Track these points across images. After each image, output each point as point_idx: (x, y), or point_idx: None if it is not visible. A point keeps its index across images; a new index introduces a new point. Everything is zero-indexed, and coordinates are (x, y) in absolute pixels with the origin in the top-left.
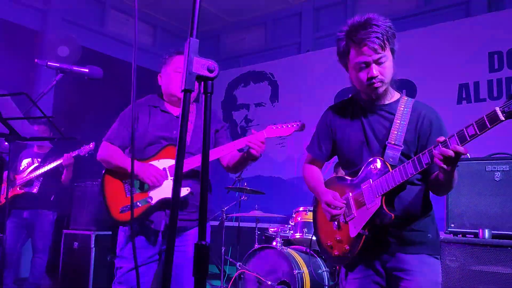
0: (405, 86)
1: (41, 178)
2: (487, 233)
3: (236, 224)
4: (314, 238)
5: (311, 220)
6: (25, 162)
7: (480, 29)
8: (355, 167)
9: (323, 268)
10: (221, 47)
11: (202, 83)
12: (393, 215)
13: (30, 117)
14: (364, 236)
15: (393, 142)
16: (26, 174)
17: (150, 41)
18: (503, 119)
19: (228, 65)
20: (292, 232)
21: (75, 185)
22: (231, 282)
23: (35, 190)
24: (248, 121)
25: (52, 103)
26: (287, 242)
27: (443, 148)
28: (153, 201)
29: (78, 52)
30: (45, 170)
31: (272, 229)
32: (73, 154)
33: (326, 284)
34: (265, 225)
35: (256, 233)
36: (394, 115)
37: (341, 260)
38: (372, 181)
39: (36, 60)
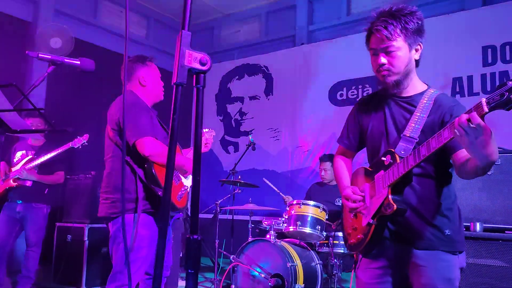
0: None
1: (35, 171)
2: (478, 226)
3: (230, 217)
4: (308, 231)
5: (305, 213)
6: (19, 154)
7: (474, 23)
8: (374, 158)
9: (317, 261)
10: (215, 40)
11: (194, 76)
12: (395, 206)
13: (20, 109)
14: (373, 226)
15: (408, 135)
16: (19, 167)
17: (143, 33)
18: (487, 110)
19: (222, 57)
20: (285, 225)
21: (68, 177)
22: (224, 275)
23: (29, 183)
24: (243, 114)
25: (44, 95)
26: (281, 235)
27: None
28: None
29: (71, 44)
30: (36, 163)
31: (266, 222)
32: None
33: (319, 276)
34: (258, 218)
35: (250, 226)
36: (416, 107)
37: (356, 248)
38: (383, 172)
39: (27, 51)
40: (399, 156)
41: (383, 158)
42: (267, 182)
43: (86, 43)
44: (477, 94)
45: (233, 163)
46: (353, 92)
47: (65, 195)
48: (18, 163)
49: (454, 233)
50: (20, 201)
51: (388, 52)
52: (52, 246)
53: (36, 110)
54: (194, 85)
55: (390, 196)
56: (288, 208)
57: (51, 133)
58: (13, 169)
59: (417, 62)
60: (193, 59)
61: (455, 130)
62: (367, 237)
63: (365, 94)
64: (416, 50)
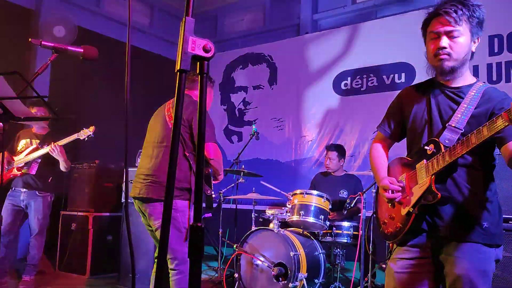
0: (404, 69)
1: (39, 160)
2: None
3: (233, 206)
4: (311, 220)
5: (308, 203)
6: (22, 143)
7: None
8: (415, 147)
9: (320, 250)
10: (219, 29)
11: (198, 63)
12: (439, 194)
13: (24, 96)
14: (413, 215)
15: (453, 125)
16: (23, 155)
17: (146, 22)
18: None
19: (226, 46)
20: (289, 214)
21: (72, 166)
22: (228, 264)
23: (33, 172)
24: (246, 103)
25: (48, 83)
26: (284, 224)
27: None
28: None
29: (74, 32)
30: (37, 155)
31: (269, 212)
32: (61, 143)
33: (323, 266)
34: (262, 208)
35: (253, 216)
36: (463, 98)
37: (393, 237)
38: (426, 162)
39: (30, 39)
40: (443, 146)
41: (426, 147)
42: (267, 185)
43: (89, 32)
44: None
45: (237, 152)
46: (358, 81)
47: (69, 183)
48: (22, 152)
49: (492, 226)
50: (24, 190)
51: (452, 37)
52: (56, 234)
53: (39, 98)
54: (197, 72)
55: (433, 185)
56: (291, 198)
57: (55, 121)
58: (17, 158)
59: (472, 54)
60: (197, 45)
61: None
62: (406, 227)
63: (370, 84)
64: (474, 42)
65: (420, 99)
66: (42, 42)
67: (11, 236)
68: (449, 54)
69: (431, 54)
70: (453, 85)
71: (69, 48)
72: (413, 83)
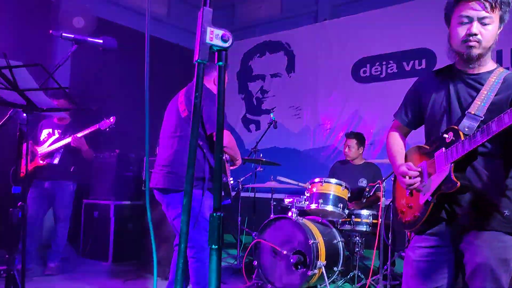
0: (425, 55)
1: (62, 150)
2: None
3: (252, 195)
4: (330, 209)
5: (327, 191)
6: (45, 132)
7: None
8: (433, 135)
9: (339, 238)
10: (236, 17)
11: (216, 53)
12: (458, 183)
13: (46, 88)
14: (432, 204)
15: (473, 112)
16: (46, 145)
17: (164, 11)
18: None
19: (243, 35)
20: (307, 203)
21: (94, 155)
22: (247, 251)
23: (56, 161)
24: (264, 92)
25: (69, 74)
26: (303, 212)
27: None
28: None
29: (93, 23)
30: (58, 146)
31: (288, 200)
32: (81, 134)
33: (341, 254)
34: (280, 196)
35: (272, 204)
36: (483, 85)
37: (411, 226)
38: (445, 150)
39: (51, 31)
40: (463, 134)
41: (444, 135)
42: (282, 179)
43: (108, 22)
44: (507, 68)
45: (255, 141)
46: (377, 68)
47: (91, 173)
48: (45, 141)
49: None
50: (48, 179)
51: (483, 23)
52: (80, 222)
53: (61, 89)
54: (216, 62)
55: (453, 174)
56: (310, 186)
57: (76, 112)
58: (40, 148)
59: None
60: (215, 36)
61: None
62: (424, 215)
63: (389, 71)
64: (500, 28)
65: (438, 86)
66: (63, 34)
67: (36, 224)
68: (478, 42)
69: (459, 39)
70: (472, 72)
71: (89, 39)
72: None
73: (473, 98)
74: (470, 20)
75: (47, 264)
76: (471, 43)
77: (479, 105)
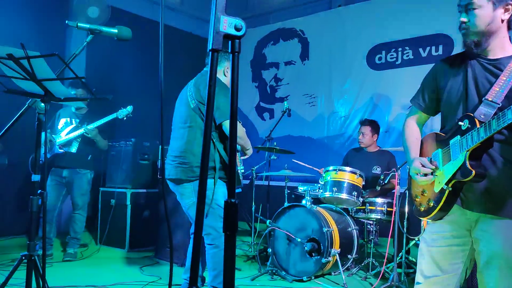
0: (442, 41)
1: (79, 139)
2: None
3: (266, 183)
4: (344, 197)
5: (341, 179)
6: (62, 121)
7: None
8: (449, 122)
9: (353, 226)
10: (249, 4)
11: (230, 42)
12: (474, 171)
13: (63, 78)
14: (447, 191)
15: (490, 99)
16: (64, 134)
17: (177, 0)
18: None
19: (256, 22)
20: (321, 191)
21: (110, 144)
22: (261, 239)
23: (74, 150)
24: (278, 80)
25: (84, 64)
26: (317, 200)
27: None
28: None
29: (108, 12)
30: (75, 135)
31: (302, 188)
32: (94, 126)
33: (355, 242)
34: (294, 184)
35: (286, 192)
36: (503, 71)
37: (425, 214)
38: (460, 138)
39: (66, 21)
40: (479, 121)
41: (460, 123)
42: (298, 162)
43: (121, 11)
44: None
45: (269, 129)
46: (392, 55)
47: (107, 161)
48: (63, 130)
49: None
50: (66, 167)
51: (468, 10)
52: (97, 209)
53: (78, 79)
54: (229, 51)
55: (468, 162)
56: (324, 174)
57: (93, 101)
58: (56, 137)
59: (509, 22)
60: (228, 24)
61: None
62: (439, 204)
63: (405, 57)
64: (505, 10)
65: (456, 72)
66: (78, 24)
67: (54, 212)
68: (466, 29)
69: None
70: (491, 57)
71: (104, 29)
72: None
73: (491, 84)
74: (462, 8)
75: (66, 251)
76: (463, 31)
77: (497, 91)
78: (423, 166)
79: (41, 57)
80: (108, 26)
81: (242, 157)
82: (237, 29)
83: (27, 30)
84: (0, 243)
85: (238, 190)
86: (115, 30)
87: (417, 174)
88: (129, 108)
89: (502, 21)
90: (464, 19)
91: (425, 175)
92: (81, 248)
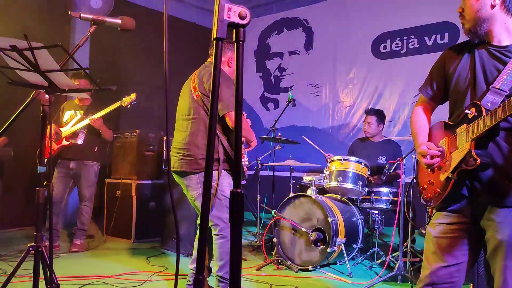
0: (447, 29)
1: (85, 130)
2: None
3: (271, 173)
4: (349, 186)
5: (346, 169)
6: (68, 114)
7: None
8: (457, 110)
9: (358, 216)
10: None
11: (234, 31)
12: (479, 160)
13: (67, 69)
14: (452, 181)
15: (497, 87)
16: (70, 126)
17: None
18: None
19: (260, 12)
20: (327, 181)
21: (114, 136)
22: (267, 229)
23: (80, 142)
24: (282, 70)
25: (88, 55)
26: (322, 190)
27: None
28: None
29: (111, 3)
30: (81, 126)
31: (307, 178)
32: (98, 115)
33: (361, 231)
34: (299, 174)
35: (291, 182)
36: (511, 58)
37: (432, 202)
38: (466, 126)
39: (70, 12)
40: (485, 109)
41: (467, 111)
42: (307, 140)
43: (124, 2)
44: None
45: (273, 120)
46: (398, 44)
47: (112, 152)
48: (68, 123)
49: None
50: (73, 159)
51: None
52: (103, 201)
53: (82, 70)
54: (234, 39)
55: (473, 151)
56: (329, 164)
57: (97, 92)
58: (63, 129)
59: (507, 8)
60: (233, 13)
61: None
62: (445, 192)
63: (410, 46)
64: None
65: (464, 59)
66: (82, 15)
67: (61, 203)
68: (462, 18)
69: None
70: (500, 44)
71: (107, 19)
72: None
73: (499, 72)
74: None
75: (73, 242)
76: (461, 21)
77: (505, 79)
78: (429, 149)
79: (44, 48)
80: (111, 17)
81: (247, 149)
82: (242, 18)
83: (31, 22)
84: (8, 234)
85: (242, 182)
86: (118, 21)
87: (424, 157)
88: (133, 96)
89: (493, 6)
90: (460, 8)
91: (432, 158)
92: (88, 239)
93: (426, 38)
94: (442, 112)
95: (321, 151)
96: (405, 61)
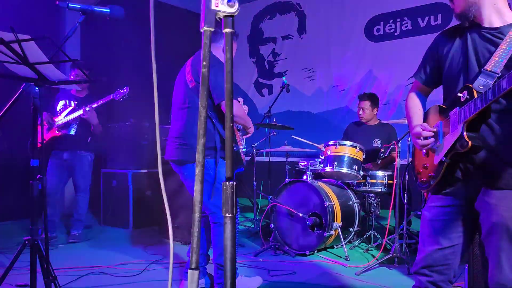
0: (440, 10)
1: (78, 121)
2: None
3: (266, 159)
4: (344, 171)
5: (341, 153)
6: (61, 103)
7: None
8: (450, 94)
9: (354, 199)
10: None
11: (222, 19)
12: (470, 142)
13: (56, 61)
14: (446, 163)
15: (489, 69)
16: (63, 116)
17: None
18: None
19: None
20: (322, 165)
21: (109, 126)
22: (263, 215)
23: (72, 132)
24: (276, 55)
25: (79, 46)
26: (318, 175)
27: None
28: None
29: None
30: (73, 117)
31: (302, 164)
32: (93, 106)
33: (357, 214)
34: (295, 160)
35: (287, 168)
36: (503, 40)
37: (426, 186)
38: (458, 109)
39: (57, 2)
40: (477, 92)
41: (459, 94)
42: (298, 138)
43: None
44: None
45: (268, 105)
46: (391, 26)
47: (107, 142)
48: (61, 112)
49: None
50: (66, 150)
51: None
52: (99, 191)
53: (71, 61)
54: (222, 29)
55: (465, 133)
56: (324, 149)
57: (92, 84)
58: (56, 119)
59: None
60: (220, 1)
61: None
62: (438, 176)
63: (403, 28)
64: None
65: (457, 43)
66: (69, 5)
67: (57, 194)
68: (452, 3)
69: None
70: (491, 26)
71: (96, 8)
72: (450, 25)
73: (491, 54)
74: None
75: (71, 233)
76: (450, 6)
77: (497, 61)
78: (424, 129)
79: (32, 40)
80: (100, 6)
81: (245, 136)
82: (230, 6)
83: (18, 13)
84: (5, 227)
85: (240, 170)
86: (107, 10)
87: (419, 138)
88: (125, 90)
89: None
90: None
91: (426, 139)
92: (85, 229)
93: (419, 19)
94: (437, 95)
95: (314, 144)
96: (398, 43)
